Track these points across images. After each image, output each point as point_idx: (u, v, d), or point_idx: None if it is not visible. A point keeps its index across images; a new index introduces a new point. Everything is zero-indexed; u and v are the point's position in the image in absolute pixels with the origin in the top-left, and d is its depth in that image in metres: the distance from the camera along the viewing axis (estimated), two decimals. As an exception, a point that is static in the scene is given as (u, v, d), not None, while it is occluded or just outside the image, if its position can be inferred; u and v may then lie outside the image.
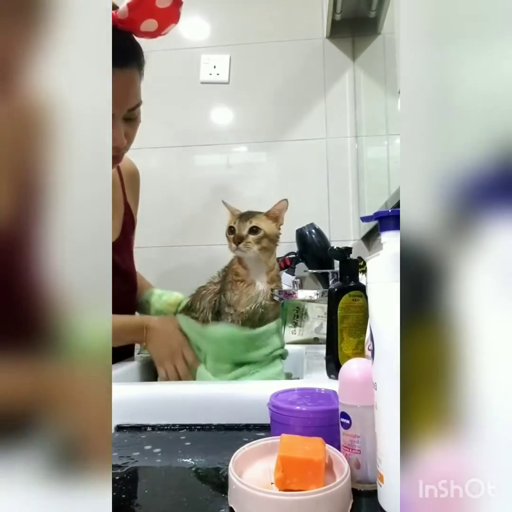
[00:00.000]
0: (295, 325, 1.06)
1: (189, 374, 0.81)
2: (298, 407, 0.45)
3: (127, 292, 1.00)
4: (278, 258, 1.32)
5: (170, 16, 0.73)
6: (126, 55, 0.76)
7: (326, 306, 0.71)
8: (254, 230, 0.80)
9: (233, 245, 0.80)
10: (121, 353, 0.91)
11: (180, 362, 0.82)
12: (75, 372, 0.30)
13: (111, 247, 0.39)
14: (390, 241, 0.38)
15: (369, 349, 0.52)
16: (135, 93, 0.79)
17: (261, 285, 0.81)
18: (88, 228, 0.31)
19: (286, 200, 0.83)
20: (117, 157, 0.83)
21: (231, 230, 0.82)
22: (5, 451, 0.28)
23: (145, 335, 0.84)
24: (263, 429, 0.54)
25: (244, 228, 0.81)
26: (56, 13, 0.30)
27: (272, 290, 0.83)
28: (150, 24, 0.73)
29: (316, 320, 1.06)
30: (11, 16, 0.30)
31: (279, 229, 0.85)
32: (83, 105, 0.31)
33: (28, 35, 0.30)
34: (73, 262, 0.30)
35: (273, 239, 0.83)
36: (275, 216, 0.84)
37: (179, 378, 0.81)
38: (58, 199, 0.30)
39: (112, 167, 0.88)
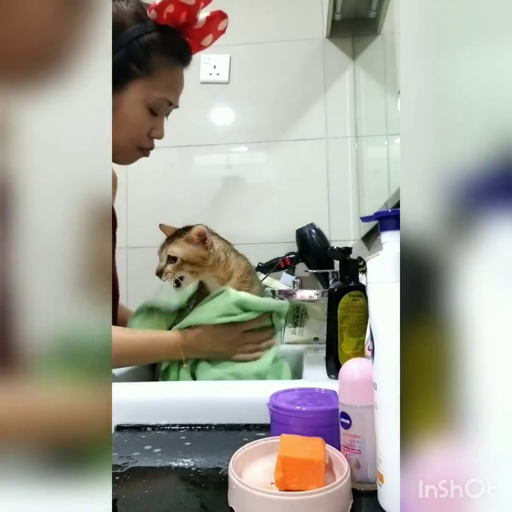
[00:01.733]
0: (295, 325, 1.06)
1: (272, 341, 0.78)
2: (298, 407, 0.45)
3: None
4: (278, 258, 1.33)
5: (215, 38, 0.81)
6: (190, 57, 0.82)
7: (326, 306, 0.71)
8: (172, 258, 0.76)
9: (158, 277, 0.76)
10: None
11: (250, 346, 0.77)
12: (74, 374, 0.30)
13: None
14: (390, 241, 0.38)
15: (369, 349, 0.52)
16: None
17: None
18: (87, 230, 0.31)
19: (201, 225, 0.78)
20: (149, 150, 0.88)
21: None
22: (4, 451, 0.28)
23: (182, 354, 0.75)
24: (263, 429, 0.54)
25: (163, 258, 0.77)
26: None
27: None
28: (208, 39, 0.81)
29: (316, 320, 1.06)
30: None
31: (208, 249, 0.77)
32: (83, 106, 0.31)
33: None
34: (73, 261, 0.30)
35: (198, 262, 0.76)
36: (194, 240, 0.77)
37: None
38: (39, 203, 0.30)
39: (138, 160, 0.91)
